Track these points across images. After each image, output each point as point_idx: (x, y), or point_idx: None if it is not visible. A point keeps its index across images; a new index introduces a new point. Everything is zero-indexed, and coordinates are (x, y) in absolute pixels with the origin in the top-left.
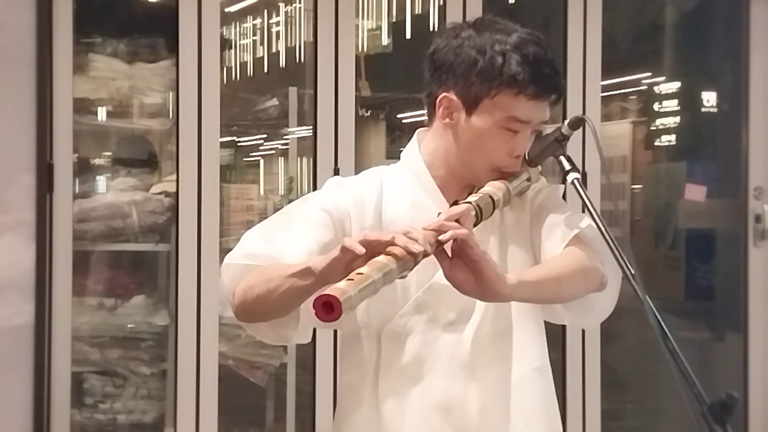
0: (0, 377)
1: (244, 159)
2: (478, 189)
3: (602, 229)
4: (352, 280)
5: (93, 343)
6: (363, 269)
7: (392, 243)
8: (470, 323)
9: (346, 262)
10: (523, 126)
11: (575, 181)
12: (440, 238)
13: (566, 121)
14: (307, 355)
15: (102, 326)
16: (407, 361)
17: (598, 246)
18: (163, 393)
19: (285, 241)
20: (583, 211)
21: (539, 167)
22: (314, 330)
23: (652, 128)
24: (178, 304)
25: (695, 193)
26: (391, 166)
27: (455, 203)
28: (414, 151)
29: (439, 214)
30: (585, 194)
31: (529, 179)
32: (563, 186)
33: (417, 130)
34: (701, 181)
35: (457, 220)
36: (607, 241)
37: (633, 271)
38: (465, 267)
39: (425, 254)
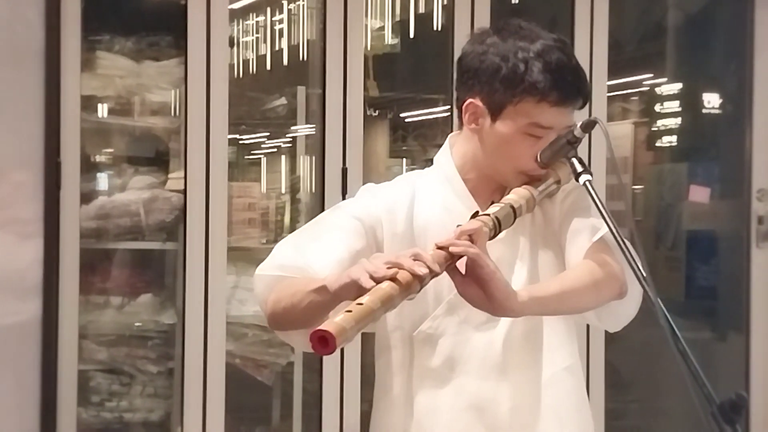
0: (7, 374)
1: (246, 157)
2: (508, 191)
3: (614, 231)
4: (350, 311)
5: (100, 342)
6: (364, 298)
7: (396, 274)
8: (501, 324)
9: (355, 285)
10: (546, 132)
11: (587, 182)
12: (451, 250)
13: (578, 124)
14: (313, 354)
15: (109, 324)
16: (439, 362)
17: (619, 251)
18: (170, 391)
19: (315, 250)
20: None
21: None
22: None
23: (653, 129)
24: (185, 302)
25: (699, 194)
26: (425, 170)
27: (475, 215)
28: (446, 155)
29: (459, 226)
30: (597, 196)
31: (558, 182)
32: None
33: (450, 135)
34: (705, 183)
35: (470, 237)
36: (618, 243)
37: (644, 273)
38: (476, 283)
39: (434, 274)
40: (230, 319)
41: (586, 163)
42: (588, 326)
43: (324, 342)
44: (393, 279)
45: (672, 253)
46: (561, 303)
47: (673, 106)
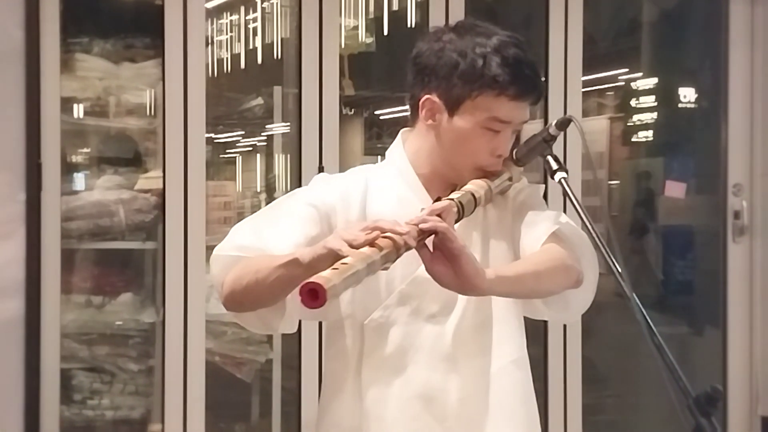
0: None
1: (221, 156)
2: (461, 187)
3: (589, 226)
4: (336, 269)
5: (81, 340)
6: (348, 259)
7: (375, 239)
8: (452, 316)
9: (333, 256)
10: (504, 126)
11: (562, 180)
12: (420, 226)
13: (554, 122)
14: (292, 351)
15: (90, 323)
16: (390, 351)
17: (575, 243)
18: (151, 389)
19: (273, 234)
20: (565, 210)
21: (521, 168)
22: (299, 326)
23: (629, 124)
24: (165, 301)
25: (675, 190)
26: (376, 165)
27: (438, 199)
28: (399, 150)
29: (423, 209)
30: (572, 193)
31: (510, 179)
32: (543, 186)
33: (401, 131)
34: (680, 178)
35: (439, 215)
36: (594, 238)
37: (619, 268)
38: (445, 260)
39: (407, 246)
40: (209, 318)
41: (564, 159)
42: None
43: (314, 295)
44: (372, 244)
45: (643, 247)
46: (525, 284)
47: (649, 100)
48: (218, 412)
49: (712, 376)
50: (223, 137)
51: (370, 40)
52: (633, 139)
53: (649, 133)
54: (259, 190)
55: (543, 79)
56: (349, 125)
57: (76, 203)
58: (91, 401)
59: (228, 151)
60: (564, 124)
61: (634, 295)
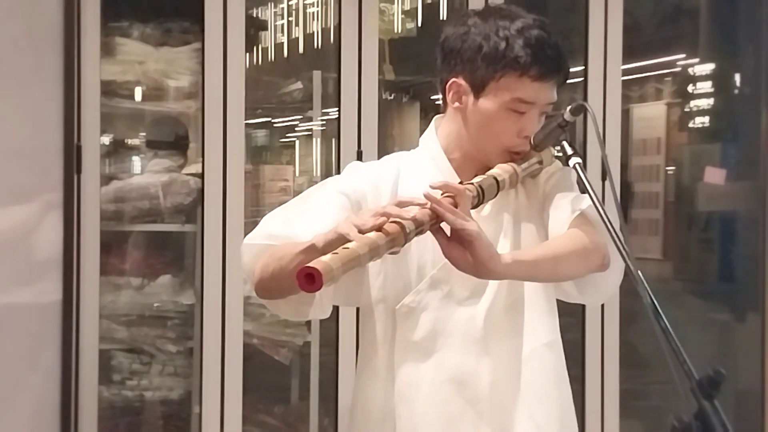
0: (30, 353)
1: (281, 140)
2: (488, 171)
3: (601, 211)
4: (337, 253)
5: (121, 322)
6: (351, 244)
7: (383, 224)
8: (483, 299)
9: (343, 240)
10: (529, 107)
11: (576, 165)
12: (432, 207)
13: (568, 108)
14: (330, 333)
15: (130, 305)
16: (421, 335)
17: (602, 225)
18: (189, 370)
19: (303, 223)
20: (603, 195)
21: (553, 150)
22: (337, 308)
23: (686, 110)
24: (203, 283)
25: (715, 176)
26: (410, 151)
27: (460, 184)
28: (431, 136)
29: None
30: (585, 177)
31: (540, 162)
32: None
33: (434, 117)
34: (722, 164)
35: (453, 199)
36: (604, 222)
37: (627, 249)
38: (461, 245)
39: (419, 231)
40: (247, 300)
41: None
42: (603, 306)
43: (311, 279)
44: (379, 229)
45: (704, 235)
46: (544, 268)
47: (706, 86)
48: (257, 394)
49: (755, 363)
50: (280, 122)
51: (411, 24)
52: (690, 125)
53: (706, 119)
54: (316, 174)
55: (569, 63)
56: (400, 111)
57: (117, 186)
58: (130, 382)
59: (288, 135)
60: (578, 110)
61: (641, 275)
